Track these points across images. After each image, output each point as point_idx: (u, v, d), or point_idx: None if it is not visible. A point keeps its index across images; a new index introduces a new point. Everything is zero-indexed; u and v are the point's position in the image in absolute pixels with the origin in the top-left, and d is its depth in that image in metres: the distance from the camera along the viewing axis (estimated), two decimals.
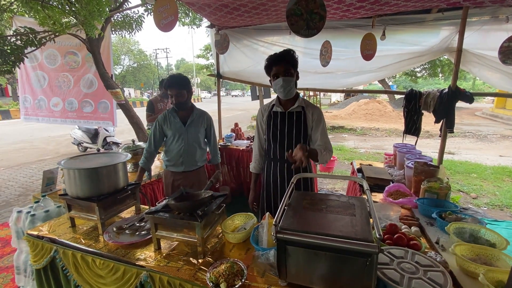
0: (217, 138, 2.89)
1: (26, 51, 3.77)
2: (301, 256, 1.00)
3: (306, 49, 3.41)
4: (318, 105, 10.76)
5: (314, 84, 3.73)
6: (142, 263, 1.27)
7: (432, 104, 2.71)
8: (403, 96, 2.92)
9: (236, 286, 1.07)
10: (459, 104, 2.77)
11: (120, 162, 1.60)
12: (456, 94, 2.60)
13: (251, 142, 3.93)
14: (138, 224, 1.58)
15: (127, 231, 1.51)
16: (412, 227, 1.52)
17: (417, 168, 2.06)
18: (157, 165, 2.99)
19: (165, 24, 2.26)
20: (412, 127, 2.90)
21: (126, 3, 5.03)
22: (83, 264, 1.39)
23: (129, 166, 2.73)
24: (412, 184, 2.10)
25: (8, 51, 3.54)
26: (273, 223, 1.00)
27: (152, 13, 2.34)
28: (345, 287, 0.98)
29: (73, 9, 3.72)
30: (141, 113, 5.29)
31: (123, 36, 5.93)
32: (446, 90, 2.64)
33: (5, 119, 15.80)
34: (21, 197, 4.65)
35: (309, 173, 1.81)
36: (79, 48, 5.10)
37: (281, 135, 1.77)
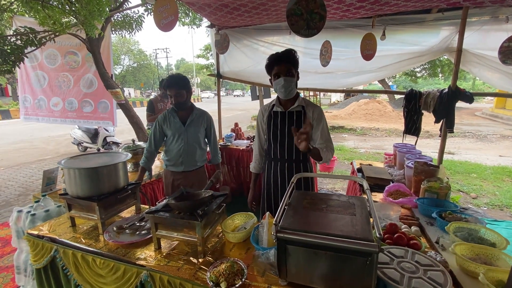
0: (218, 138, 2.89)
1: (26, 51, 3.77)
2: (301, 255, 1.00)
3: (306, 49, 3.41)
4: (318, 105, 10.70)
5: (314, 84, 3.73)
6: (142, 262, 1.27)
7: (432, 104, 2.72)
8: (403, 96, 2.93)
9: (236, 285, 1.07)
10: (459, 104, 2.77)
11: (120, 161, 1.60)
12: (456, 94, 2.61)
13: (251, 142, 3.94)
14: (138, 224, 1.59)
15: (127, 231, 1.51)
16: (412, 227, 1.52)
17: (417, 168, 2.06)
18: (157, 165, 2.99)
19: (165, 24, 2.26)
20: (412, 127, 2.91)
21: (126, 3, 5.03)
22: (83, 263, 1.40)
23: (129, 166, 2.73)
24: (412, 184, 2.10)
25: (8, 51, 3.54)
26: (273, 222, 1.00)
27: (152, 13, 2.34)
28: (345, 287, 0.98)
29: (73, 9, 3.71)
30: (141, 113, 5.30)
31: (123, 36, 5.93)
32: (446, 90, 2.65)
33: (5, 119, 15.80)
34: (21, 196, 4.65)
35: (309, 173, 1.81)
36: (79, 48, 5.10)
37: (282, 135, 1.77)
